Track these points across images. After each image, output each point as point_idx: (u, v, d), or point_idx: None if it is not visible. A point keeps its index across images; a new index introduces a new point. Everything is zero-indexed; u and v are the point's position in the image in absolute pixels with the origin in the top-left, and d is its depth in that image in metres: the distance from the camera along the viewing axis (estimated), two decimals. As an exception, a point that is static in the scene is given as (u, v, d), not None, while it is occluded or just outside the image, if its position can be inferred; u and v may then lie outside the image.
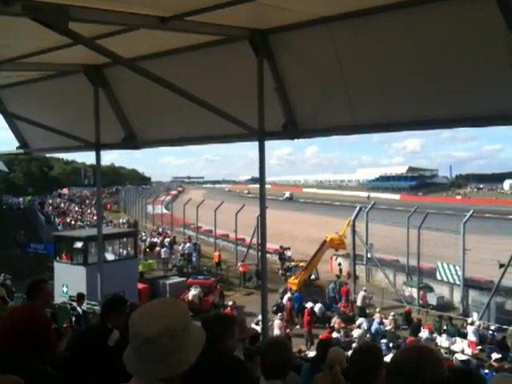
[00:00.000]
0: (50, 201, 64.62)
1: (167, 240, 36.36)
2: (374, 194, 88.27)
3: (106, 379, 3.49)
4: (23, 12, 4.13)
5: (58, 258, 24.09)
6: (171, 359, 1.81)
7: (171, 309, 1.89)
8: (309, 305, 21.47)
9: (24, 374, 2.62)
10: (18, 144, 11.03)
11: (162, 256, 31.29)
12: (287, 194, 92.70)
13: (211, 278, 27.71)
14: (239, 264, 31.76)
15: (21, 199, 59.44)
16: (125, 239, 26.11)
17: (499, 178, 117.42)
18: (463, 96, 5.25)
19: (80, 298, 14.17)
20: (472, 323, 18.73)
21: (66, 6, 4.44)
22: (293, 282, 25.28)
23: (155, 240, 36.71)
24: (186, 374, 1.88)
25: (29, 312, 4.79)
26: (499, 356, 14.46)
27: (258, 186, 7.22)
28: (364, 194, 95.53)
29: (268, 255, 25.61)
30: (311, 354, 12.70)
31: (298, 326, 21.12)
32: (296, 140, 6.98)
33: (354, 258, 27.89)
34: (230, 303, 21.85)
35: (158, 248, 33.52)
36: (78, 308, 14.14)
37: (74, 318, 13.94)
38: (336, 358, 4.81)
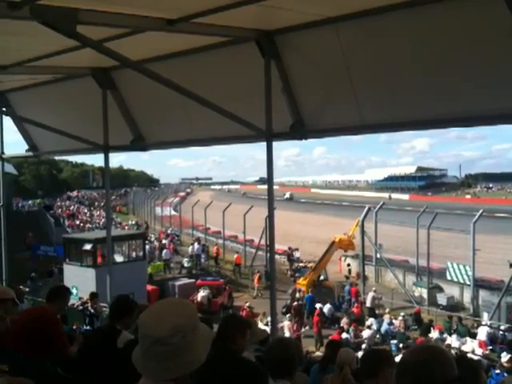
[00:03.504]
0: (60, 203, 64.94)
1: (168, 241, 36.63)
2: (382, 194, 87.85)
3: (116, 381, 3.50)
4: (31, 15, 4.16)
5: (67, 260, 24.25)
6: (182, 359, 1.82)
7: (180, 308, 1.90)
8: (318, 305, 21.45)
9: (34, 375, 2.64)
10: (27, 147, 11.11)
11: (164, 258, 31.35)
12: (287, 195, 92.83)
13: (220, 279, 27.73)
14: (235, 255, 32.11)
15: (30, 202, 59.74)
16: (133, 241, 26.23)
17: (509, 177, 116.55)
18: (470, 95, 5.22)
19: (93, 297, 14.23)
20: (486, 324, 18.60)
21: (73, 10, 4.47)
22: (302, 282, 25.24)
23: (164, 242, 36.78)
24: (197, 372, 1.88)
25: (39, 313, 4.82)
26: (510, 356, 14.34)
27: (266, 186, 7.23)
28: (373, 194, 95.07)
29: (276, 256, 25.62)
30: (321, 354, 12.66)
31: (307, 327, 21.05)
32: (303, 140, 6.98)
33: (363, 258, 27.78)
34: (247, 304, 21.96)
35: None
36: (90, 308, 14.23)
37: (87, 319, 14.06)
38: (346, 358, 4.80)
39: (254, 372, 3.48)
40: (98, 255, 22.98)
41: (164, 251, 31.96)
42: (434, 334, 18.29)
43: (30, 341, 4.23)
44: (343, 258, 30.87)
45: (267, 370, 3.47)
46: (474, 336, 18.23)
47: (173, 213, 51.96)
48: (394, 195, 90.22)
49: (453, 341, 17.55)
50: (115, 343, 4.19)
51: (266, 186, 7.33)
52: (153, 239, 37.40)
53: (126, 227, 46.23)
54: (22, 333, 4.27)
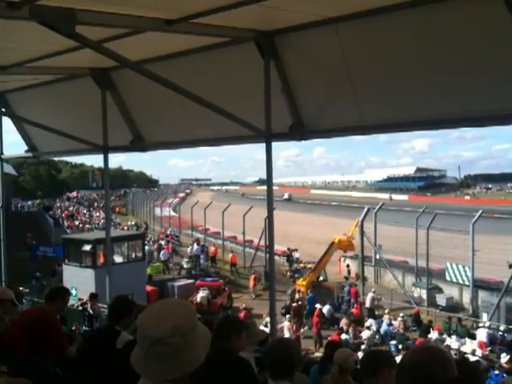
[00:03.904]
0: (59, 204, 64.92)
1: (165, 242, 36.68)
2: (384, 195, 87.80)
3: (115, 381, 3.50)
4: (30, 16, 4.15)
5: (66, 261, 24.25)
6: (182, 359, 1.81)
7: (179, 308, 1.90)
8: (317, 306, 21.46)
9: (33, 376, 2.63)
10: (26, 147, 11.10)
11: (162, 259, 31.40)
12: (286, 195, 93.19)
13: (219, 279, 27.72)
14: (230, 255, 32.38)
15: (30, 202, 59.71)
16: (133, 242, 26.23)
17: (508, 177, 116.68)
18: (471, 96, 5.22)
19: (92, 298, 14.18)
20: (484, 326, 18.59)
21: (73, 10, 4.46)
22: (301, 283, 25.24)
23: (161, 242, 36.77)
24: (195, 371, 1.88)
25: (39, 313, 4.82)
26: (510, 357, 14.33)
27: (265, 187, 7.24)
28: (375, 195, 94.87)
29: (276, 257, 25.60)
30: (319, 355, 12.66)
31: (306, 327, 21.03)
32: (303, 141, 6.98)
33: (363, 259, 27.79)
34: (244, 305, 21.93)
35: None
36: (90, 309, 14.20)
37: (86, 320, 14.05)
38: (337, 358, 4.77)
39: (251, 374, 3.48)
40: (97, 256, 22.99)
41: (162, 252, 31.98)
42: (433, 335, 18.30)
43: (30, 341, 4.23)
44: (342, 259, 30.87)
45: (267, 371, 3.48)
46: (473, 337, 18.24)
47: (172, 213, 51.93)
48: (394, 196, 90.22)
49: (452, 342, 17.55)
50: (114, 344, 4.19)
51: (265, 187, 7.32)
52: (148, 239, 37.25)
53: (125, 227, 46.22)
54: (22, 333, 4.27)
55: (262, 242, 30.16)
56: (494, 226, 32.86)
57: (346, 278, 28.71)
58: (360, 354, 12.51)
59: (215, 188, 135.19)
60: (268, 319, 13.97)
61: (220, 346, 3.35)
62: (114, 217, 53.50)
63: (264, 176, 7.21)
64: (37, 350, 4.17)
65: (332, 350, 5.67)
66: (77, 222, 49.70)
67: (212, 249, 34.11)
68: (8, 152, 11.84)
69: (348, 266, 30.08)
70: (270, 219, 7.14)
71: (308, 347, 17.96)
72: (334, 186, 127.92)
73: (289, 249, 33.31)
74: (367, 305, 23.11)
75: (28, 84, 9.28)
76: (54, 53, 6.61)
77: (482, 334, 17.81)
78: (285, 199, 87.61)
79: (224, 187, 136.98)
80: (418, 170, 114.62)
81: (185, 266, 31.01)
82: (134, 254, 25.95)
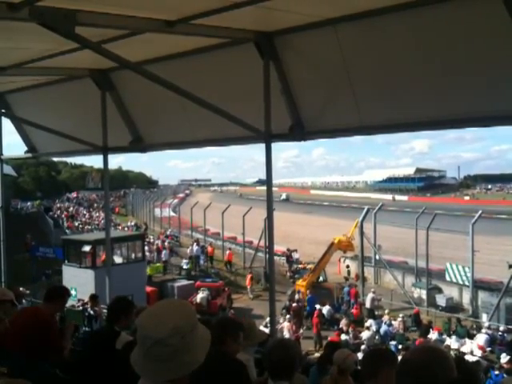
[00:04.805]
0: (59, 205, 64.89)
1: (160, 242, 36.74)
2: (381, 196, 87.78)
3: (115, 382, 3.50)
4: (30, 17, 4.16)
5: (66, 262, 24.23)
6: (181, 359, 1.81)
7: (178, 309, 1.90)
8: (317, 307, 21.45)
9: (33, 377, 2.63)
10: (26, 148, 11.09)
11: (163, 259, 31.46)
12: (284, 196, 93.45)
13: (219, 280, 27.69)
14: (227, 252, 32.57)
15: (29, 203, 59.64)
16: (133, 242, 26.22)
17: (508, 178, 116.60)
18: (470, 96, 5.23)
19: (92, 299, 14.17)
20: (485, 332, 18.56)
21: (72, 11, 4.46)
22: (300, 284, 25.22)
23: (157, 242, 36.79)
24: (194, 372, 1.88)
25: (34, 313, 4.81)
26: (510, 357, 14.33)
27: (264, 188, 7.24)
28: (377, 195, 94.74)
29: (275, 258, 25.57)
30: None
31: (304, 328, 21.01)
32: (303, 142, 6.98)
33: (363, 259, 27.74)
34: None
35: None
36: (90, 310, 14.21)
37: (86, 320, 14.05)
38: (336, 359, 4.77)
39: (243, 376, 3.47)
40: (96, 256, 22.97)
41: (163, 252, 32.04)
42: (433, 335, 18.29)
43: (25, 340, 4.22)
44: (342, 259, 30.84)
45: (267, 371, 3.47)
46: (473, 337, 18.22)
47: (172, 214, 51.89)
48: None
49: (452, 342, 17.54)
50: (114, 345, 4.18)
51: (264, 187, 7.32)
52: (152, 240, 37.28)
53: (126, 228, 46.20)
54: (17, 331, 4.26)
55: (262, 243, 30.11)
56: (494, 226, 32.88)
57: (346, 279, 28.68)
58: (360, 355, 12.51)
59: (212, 189, 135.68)
60: (268, 319, 13.98)
61: (216, 349, 3.34)
62: (113, 217, 53.50)
63: (263, 177, 7.21)
64: (32, 349, 4.16)
65: (331, 351, 5.67)
66: (76, 223, 49.70)
67: (209, 249, 34.10)
68: (8, 153, 11.83)
69: (348, 266, 30.06)
70: (269, 220, 7.15)
71: (308, 348, 17.95)
72: (334, 187, 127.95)
73: (288, 249, 33.24)
74: (367, 305, 23.09)
75: (28, 85, 9.29)
76: (54, 54, 6.62)
77: (481, 339, 17.76)
78: (282, 200, 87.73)
79: (225, 188, 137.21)
80: (418, 170, 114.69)
81: (184, 266, 30.99)
82: (133, 255, 25.93)
